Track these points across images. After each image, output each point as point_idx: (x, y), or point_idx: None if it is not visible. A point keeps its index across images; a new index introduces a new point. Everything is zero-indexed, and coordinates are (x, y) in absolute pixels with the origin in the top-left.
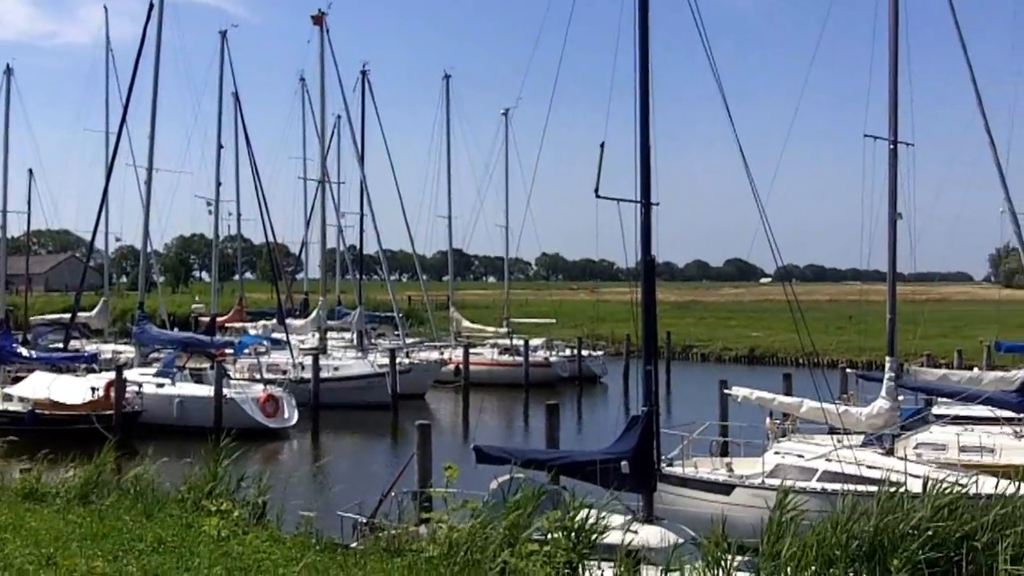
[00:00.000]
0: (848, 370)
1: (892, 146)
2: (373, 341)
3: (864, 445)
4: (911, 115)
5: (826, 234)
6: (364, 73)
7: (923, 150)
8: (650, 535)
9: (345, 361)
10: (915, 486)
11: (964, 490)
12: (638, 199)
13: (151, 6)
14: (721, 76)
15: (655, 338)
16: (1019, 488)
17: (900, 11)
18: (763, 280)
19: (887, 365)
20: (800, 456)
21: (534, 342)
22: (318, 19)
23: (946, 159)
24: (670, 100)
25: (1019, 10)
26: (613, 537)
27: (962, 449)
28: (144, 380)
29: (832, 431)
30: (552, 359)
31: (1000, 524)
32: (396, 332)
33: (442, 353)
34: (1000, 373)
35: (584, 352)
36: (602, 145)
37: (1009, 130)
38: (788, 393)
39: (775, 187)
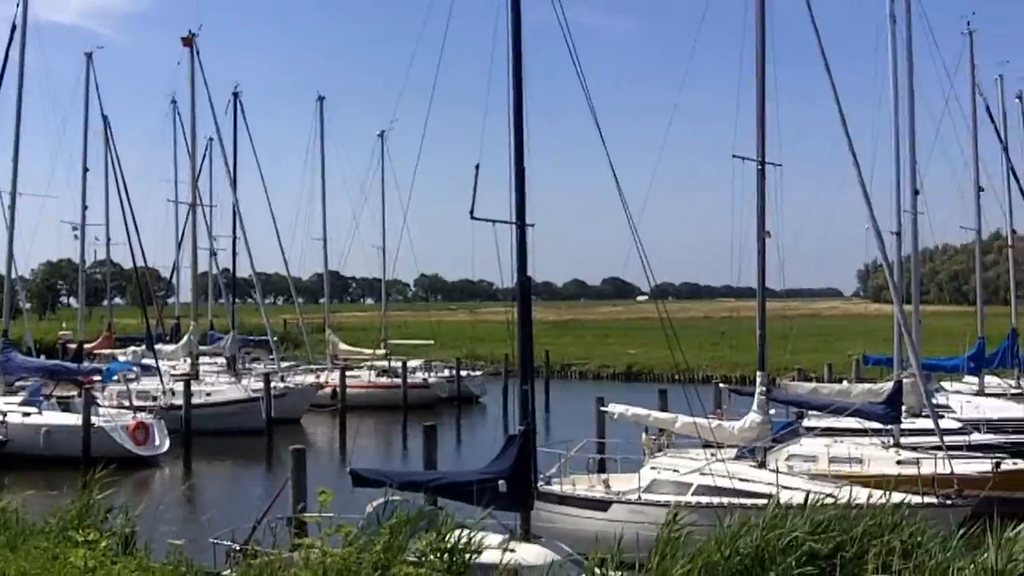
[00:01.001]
0: (721, 385)
1: (760, 167)
2: (247, 365)
3: (737, 458)
4: (778, 136)
5: (700, 252)
6: (236, 95)
7: (791, 169)
8: (527, 553)
9: (218, 386)
10: (786, 497)
11: (837, 502)
12: (513, 220)
13: (13, 27)
14: (595, 97)
15: (531, 357)
16: (889, 498)
17: (767, 34)
18: (639, 298)
19: (758, 379)
20: (675, 471)
21: (412, 363)
22: (188, 41)
23: (814, 178)
24: (546, 120)
25: (880, 37)
26: (490, 556)
27: (831, 460)
28: (9, 409)
29: (706, 445)
30: (431, 380)
31: (868, 535)
32: (270, 356)
33: (318, 376)
34: (868, 385)
35: (463, 372)
36: (477, 167)
37: (873, 150)
38: (664, 409)
39: (650, 206)
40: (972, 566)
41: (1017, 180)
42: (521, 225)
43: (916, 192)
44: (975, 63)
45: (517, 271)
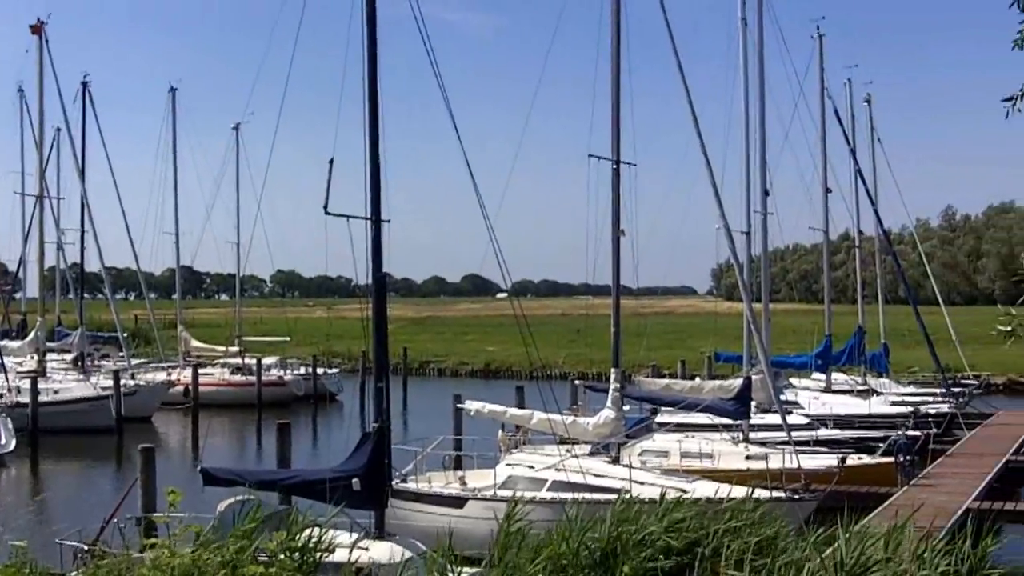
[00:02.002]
0: (577, 382)
1: (615, 166)
2: (96, 362)
3: (592, 454)
4: (633, 136)
5: (559, 250)
6: (85, 84)
7: (645, 167)
8: (380, 551)
9: (65, 384)
10: (638, 491)
11: (689, 497)
12: (368, 216)
13: None
14: (454, 91)
15: (387, 354)
16: (749, 494)
17: (622, 34)
18: (499, 295)
19: (612, 376)
20: (531, 467)
21: (268, 360)
22: (37, 28)
23: (668, 176)
24: (404, 112)
25: (732, 40)
26: (342, 555)
27: (683, 455)
28: None
29: (562, 441)
30: (287, 377)
31: (720, 531)
32: (120, 353)
33: (169, 374)
34: (719, 382)
35: (320, 370)
36: (331, 161)
37: (724, 150)
38: (520, 406)
39: (509, 203)
40: (820, 560)
41: (864, 182)
42: (376, 221)
43: (766, 193)
44: (824, 67)
45: (372, 267)
